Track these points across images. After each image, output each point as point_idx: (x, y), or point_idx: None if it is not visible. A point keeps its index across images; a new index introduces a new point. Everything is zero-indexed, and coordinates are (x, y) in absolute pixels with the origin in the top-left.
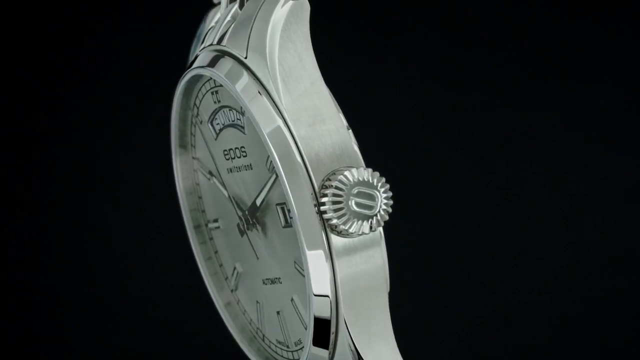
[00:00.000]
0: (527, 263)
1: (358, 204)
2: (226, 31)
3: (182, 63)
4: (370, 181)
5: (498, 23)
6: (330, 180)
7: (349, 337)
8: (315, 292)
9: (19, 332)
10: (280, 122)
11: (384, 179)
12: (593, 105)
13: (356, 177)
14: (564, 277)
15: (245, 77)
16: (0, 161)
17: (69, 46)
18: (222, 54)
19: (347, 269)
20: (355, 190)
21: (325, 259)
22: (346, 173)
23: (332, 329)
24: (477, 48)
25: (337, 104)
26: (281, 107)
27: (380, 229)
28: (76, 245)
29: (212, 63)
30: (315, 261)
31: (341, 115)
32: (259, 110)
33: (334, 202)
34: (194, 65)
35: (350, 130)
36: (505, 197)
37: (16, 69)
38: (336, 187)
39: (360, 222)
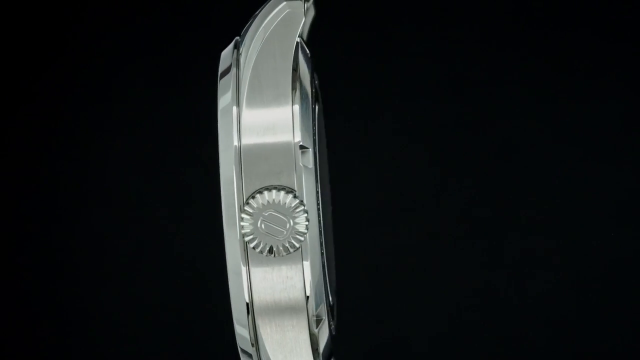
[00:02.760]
0: (527, 269)
1: (267, 227)
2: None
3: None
4: (287, 206)
5: (495, 38)
6: (253, 197)
7: (266, 352)
8: (233, 304)
9: (18, 334)
10: (235, 128)
11: (302, 207)
12: (593, 115)
13: (272, 199)
14: (564, 282)
15: (233, 71)
16: (1, 162)
17: (74, 51)
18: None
19: (263, 284)
20: (267, 213)
21: (243, 270)
22: (265, 194)
23: (252, 342)
24: (475, 61)
25: (310, 122)
26: (240, 115)
27: (305, 253)
28: (79, 249)
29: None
30: (233, 269)
31: (298, 134)
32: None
33: (246, 220)
34: None
35: (310, 150)
36: (504, 202)
37: (21, 74)
38: (250, 206)
39: (268, 244)
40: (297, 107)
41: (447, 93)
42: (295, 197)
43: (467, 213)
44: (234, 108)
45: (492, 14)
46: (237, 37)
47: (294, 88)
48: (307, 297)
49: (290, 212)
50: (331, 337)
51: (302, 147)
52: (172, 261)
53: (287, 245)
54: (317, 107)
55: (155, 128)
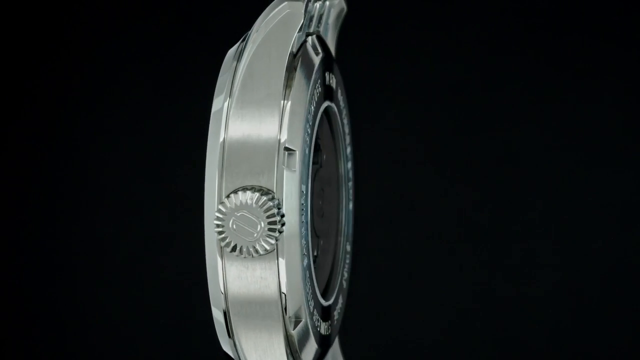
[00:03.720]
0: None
1: (238, 227)
2: None
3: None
4: (259, 208)
5: (496, 41)
6: (228, 197)
7: (242, 350)
8: (212, 301)
9: (18, 334)
10: (222, 127)
11: (275, 210)
12: (592, 120)
13: (246, 200)
14: (565, 285)
15: (231, 70)
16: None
17: (74, 51)
18: None
19: (237, 282)
20: (239, 213)
21: (219, 267)
22: (239, 194)
23: (230, 336)
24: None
25: (302, 124)
26: (229, 113)
27: (279, 254)
28: (79, 249)
29: None
30: (211, 264)
31: (284, 135)
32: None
33: (219, 219)
34: None
35: (297, 152)
36: (505, 205)
37: (22, 74)
38: (223, 205)
39: (239, 244)
40: (288, 107)
41: (447, 96)
42: (271, 199)
43: (467, 216)
44: (225, 106)
45: (492, 16)
46: (247, 34)
47: (288, 87)
48: (282, 298)
49: (262, 214)
50: (321, 338)
51: (287, 149)
52: (169, 262)
53: (257, 247)
54: (328, 105)
55: (155, 129)
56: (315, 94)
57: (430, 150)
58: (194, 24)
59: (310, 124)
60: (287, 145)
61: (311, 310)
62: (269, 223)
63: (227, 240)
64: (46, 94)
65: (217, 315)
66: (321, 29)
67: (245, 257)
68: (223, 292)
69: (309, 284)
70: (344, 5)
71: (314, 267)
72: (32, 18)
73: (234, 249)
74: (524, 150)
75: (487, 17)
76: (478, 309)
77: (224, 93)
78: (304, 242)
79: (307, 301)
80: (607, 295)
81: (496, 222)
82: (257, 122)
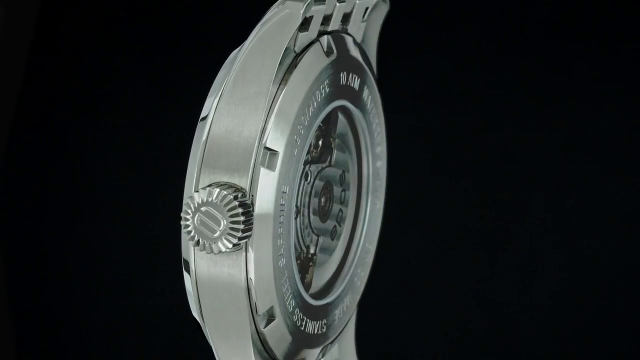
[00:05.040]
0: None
1: (202, 223)
2: None
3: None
4: (224, 206)
5: (497, 46)
6: (198, 190)
7: (212, 340)
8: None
9: (16, 334)
10: (210, 117)
11: (240, 210)
12: (592, 125)
13: (213, 197)
14: (565, 290)
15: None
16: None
17: (73, 52)
18: None
19: (207, 275)
20: (204, 209)
21: (190, 260)
22: (207, 190)
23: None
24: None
25: (290, 125)
26: (217, 108)
27: (247, 253)
28: (77, 250)
29: None
30: (184, 255)
31: (267, 135)
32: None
33: (185, 212)
34: None
35: (279, 153)
36: (505, 209)
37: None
38: (192, 199)
39: (202, 240)
40: (277, 106)
41: (447, 96)
42: (239, 197)
43: (468, 220)
44: (215, 101)
45: (493, 18)
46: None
47: (283, 85)
48: (251, 296)
49: (225, 212)
50: (307, 336)
51: (268, 148)
52: (167, 261)
53: (219, 244)
54: (344, 105)
55: (155, 128)
56: (319, 94)
57: (430, 152)
58: (197, 24)
59: (306, 124)
60: (267, 145)
61: (290, 310)
62: (232, 222)
63: (191, 234)
64: (46, 94)
65: (191, 304)
66: (350, 28)
67: (208, 253)
68: (194, 284)
69: (287, 284)
70: (383, 4)
71: (311, 265)
72: (31, 18)
73: (197, 243)
74: (526, 153)
75: (487, 17)
76: (478, 317)
77: (216, 89)
78: (280, 241)
79: (285, 300)
80: (610, 303)
81: (496, 228)
82: (241, 119)
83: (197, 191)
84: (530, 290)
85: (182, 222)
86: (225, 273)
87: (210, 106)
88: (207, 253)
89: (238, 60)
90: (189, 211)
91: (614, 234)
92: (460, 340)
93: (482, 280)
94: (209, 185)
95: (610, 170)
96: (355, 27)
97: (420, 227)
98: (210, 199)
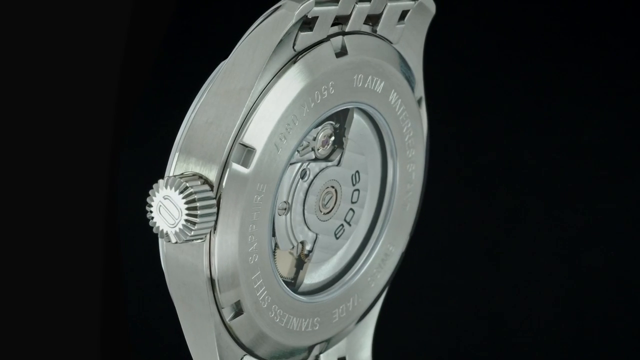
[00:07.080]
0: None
1: (163, 211)
2: None
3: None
4: (182, 198)
5: (502, 48)
6: (165, 179)
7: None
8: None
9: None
10: (194, 106)
11: (198, 204)
12: (594, 133)
13: (174, 187)
14: (566, 297)
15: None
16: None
17: (73, 52)
18: None
19: (174, 262)
20: (166, 198)
21: (160, 246)
22: (173, 178)
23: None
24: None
25: (273, 123)
26: (201, 99)
27: (210, 246)
28: (77, 250)
29: None
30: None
31: (244, 131)
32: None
33: (150, 200)
34: None
35: (256, 150)
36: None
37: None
38: (156, 186)
39: (160, 228)
40: (262, 103)
41: (447, 97)
42: (202, 191)
43: (468, 226)
44: (204, 91)
45: (493, 16)
46: None
47: (271, 82)
48: (215, 289)
49: (182, 205)
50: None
51: (245, 145)
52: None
53: (178, 232)
54: (359, 106)
55: (155, 129)
56: (318, 95)
57: (431, 156)
58: (199, 24)
59: (297, 123)
60: (244, 141)
61: (264, 306)
62: (188, 215)
63: (152, 221)
64: (46, 94)
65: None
66: (381, 30)
67: (166, 242)
68: (165, 267)
69: (261, 280)
70: (428, 6)
71: (306, 262)
72: (32, 18)
73: (157, 229)
74: (528, 161)
75: (488, 17)
76: (479, 328)
77: (211, 79)
78: (252, 238)
79: (257, 296)
80: (610, 313)
81: (496, 234)
82: (222, 112)
83: (165, 179)
84: (531, 297)
85: (147, 209)
86: (189, 262)
87: (199, 95)
88: (166, 241)
89: (232, 53)
90: (153, 198)
91: (615, 243)
92: (461, 349)
93: (483, 288)
94: (180, 175)
95: (611, 177)
96: (388, 30)
97: (421, 231)
98: (172, 189)
